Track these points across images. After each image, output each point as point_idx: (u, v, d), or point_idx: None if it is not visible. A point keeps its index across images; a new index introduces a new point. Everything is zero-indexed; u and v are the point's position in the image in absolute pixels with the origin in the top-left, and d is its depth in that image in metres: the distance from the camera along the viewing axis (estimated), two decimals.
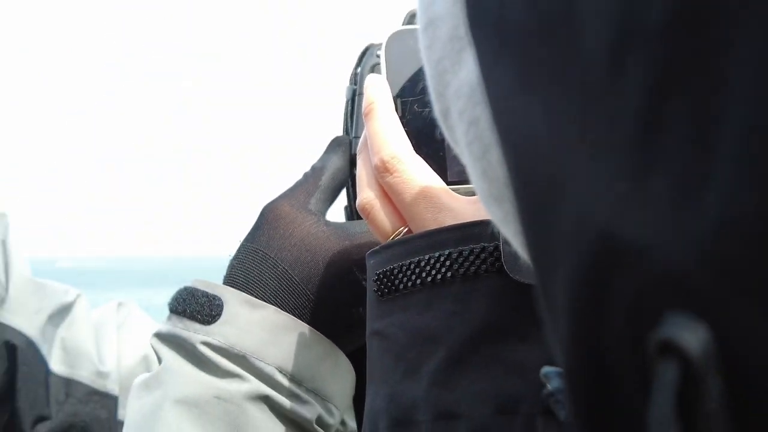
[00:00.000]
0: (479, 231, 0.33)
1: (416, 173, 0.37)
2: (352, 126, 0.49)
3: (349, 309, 0.46)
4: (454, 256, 0.33)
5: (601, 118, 0.14)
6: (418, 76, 0.43)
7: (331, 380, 0.46)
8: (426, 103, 0.42)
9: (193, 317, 0.44)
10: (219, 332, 0.43)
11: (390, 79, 0.42)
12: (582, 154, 0.14)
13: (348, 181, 0.50)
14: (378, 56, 0.48)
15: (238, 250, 0.47)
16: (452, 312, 0.33)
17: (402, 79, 0.43)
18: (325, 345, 0.45)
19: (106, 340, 0.66)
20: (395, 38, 0.44)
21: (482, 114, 0.20)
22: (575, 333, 0.15)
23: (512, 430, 0.32)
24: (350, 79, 0.50)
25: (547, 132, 0.15)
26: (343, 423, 0.48)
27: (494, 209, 0.21)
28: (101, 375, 0.63)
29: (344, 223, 0.49)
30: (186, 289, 0.46)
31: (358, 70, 0.50)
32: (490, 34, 0.17)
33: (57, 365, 0.62)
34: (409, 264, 0.34)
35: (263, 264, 0.46)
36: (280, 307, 0.45)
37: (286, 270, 0.46)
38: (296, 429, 0.44)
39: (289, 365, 0.44)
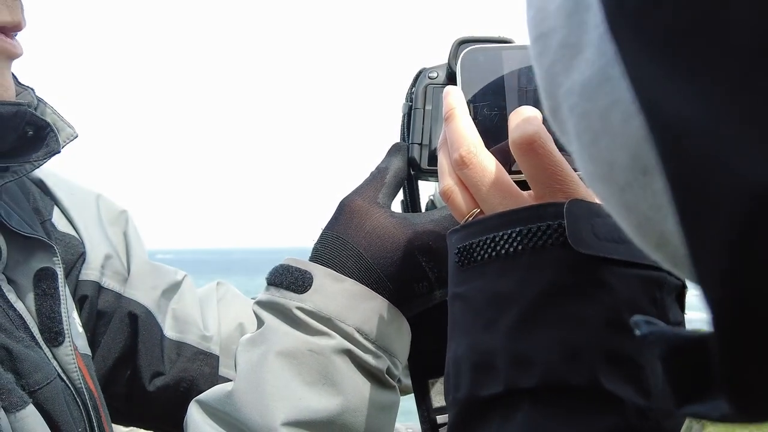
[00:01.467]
0: (543, 212, 0.38)
1: (487, 166, 0.43)
2: (408, 134, 0.57)
3: (410, 284, 0.54)
4: (524, 232, 0.38)
5: (752, 98, 0.15)
6: (487, 85, 0.49)
7: (396, 339, 0.54)
8: (493, 107, 0.49)
9: (288, 287, 0.52)
10: (310, 299, 0.51)
11: (464, 87, 0.49)
12: (733, 128, 0.16)
13: (406, 178, 0.58)
14: (430, 77, 0.56)
15: (321, 236, 0.55)
16: (523, 278, 0.37)
17: (474, 88, 0.49)
18: (392, 311, 0.53)
19: (209, 311, 0.74)
20: (468, 55, 0.50)
21: (593, 108, 0.21)
22: (730, 271, 0.17)
23: (577, 373, 0.35)
24: (406, 97, 0.58)
25: (699, 112, 0.16)
26: (398, 380, 0.56)
27: (599, 188, 0.23)
28: (205, 338, 0.72)
29: (407, 214, 0.56)
30: (281, 265, 0.54)
31: (413, 89, 0.57)
32: (634, 35, 0.18)
33: (170, 331, 0.71)
34: (486, 239, 0.39)
35: (342, 247, 0.54)
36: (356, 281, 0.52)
37: (361, 253, 0.53)
38: (371, 377, 0.52)
39: (364, 326, 0.52)
